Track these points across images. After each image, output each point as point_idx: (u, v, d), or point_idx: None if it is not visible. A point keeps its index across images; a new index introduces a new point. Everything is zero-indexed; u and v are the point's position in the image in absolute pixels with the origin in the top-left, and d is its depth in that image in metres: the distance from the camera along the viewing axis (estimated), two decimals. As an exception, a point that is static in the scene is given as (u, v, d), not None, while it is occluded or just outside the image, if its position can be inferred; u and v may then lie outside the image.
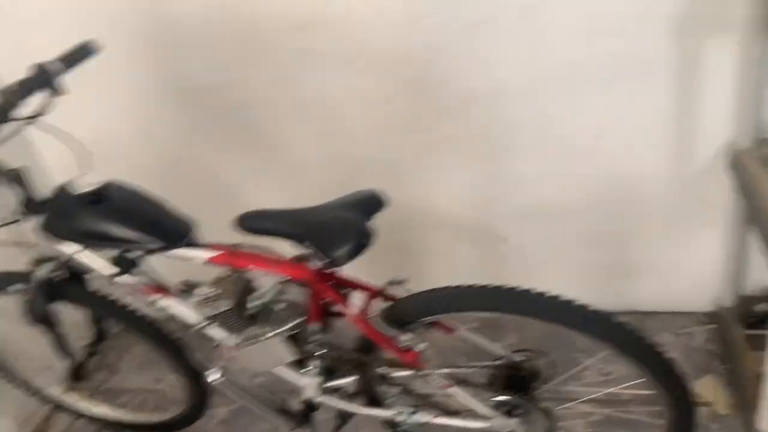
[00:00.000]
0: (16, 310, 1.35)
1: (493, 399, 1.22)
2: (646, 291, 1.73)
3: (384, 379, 1.31)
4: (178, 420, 1.63)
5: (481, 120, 1.58)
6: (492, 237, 1.76)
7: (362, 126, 1.66)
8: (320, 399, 1.33)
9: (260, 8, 1.52)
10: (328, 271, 1.17)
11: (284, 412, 1.39)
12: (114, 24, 1.58)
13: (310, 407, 1.35)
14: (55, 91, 1.13)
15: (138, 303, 1.42)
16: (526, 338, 1.47)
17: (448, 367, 1.25)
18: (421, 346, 1.19)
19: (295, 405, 1.38)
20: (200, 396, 1.55)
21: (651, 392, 1.17)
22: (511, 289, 1.11)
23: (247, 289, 1.25)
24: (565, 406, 1.35)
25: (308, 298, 1.23)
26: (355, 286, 1.24)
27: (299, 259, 1.19)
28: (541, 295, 1.10)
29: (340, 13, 1.49)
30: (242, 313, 1.24)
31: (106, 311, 1.43)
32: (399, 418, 1.30)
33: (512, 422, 1.22)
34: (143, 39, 1.61)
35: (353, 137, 1.68)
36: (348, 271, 1.18)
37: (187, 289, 1.30)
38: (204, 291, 1.26)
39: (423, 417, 1.29)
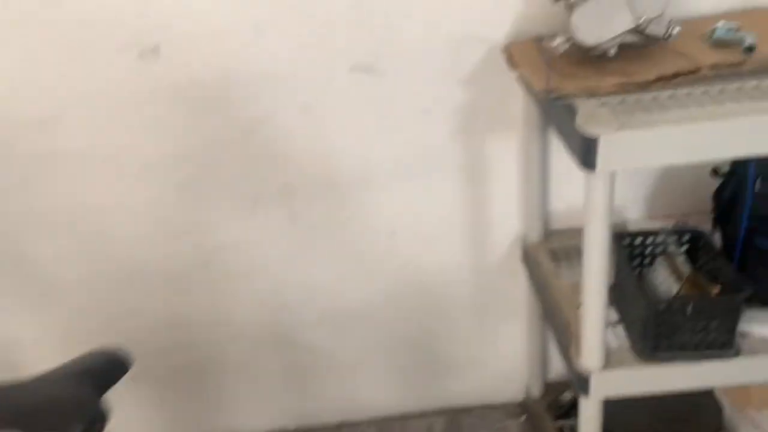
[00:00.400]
0: None
1: None
2: (459, 387, 1.66)
3: None
4: None
5: (270, 222, 1.43)
6: (296, 346, 1.58)
7: (132, 234, 1.42)
8: None
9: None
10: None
11: None
12: None
13: None
14: None
15: None
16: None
17: None
18: None
19: None
20: None
21: None
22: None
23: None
24: None
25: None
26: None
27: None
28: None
29: (88, 106, 1.27)
30: None
31: None
32: None
33: None
34: None
35: (122, 247, 1.43)
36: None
37: None
38: None
39: None
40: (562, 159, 1.38)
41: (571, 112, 0.95)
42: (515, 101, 1.31)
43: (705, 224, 1.31)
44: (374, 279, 1.51)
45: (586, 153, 0.88)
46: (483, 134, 1.36)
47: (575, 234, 1.42)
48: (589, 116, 0.89)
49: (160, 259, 1.45)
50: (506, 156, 1.38)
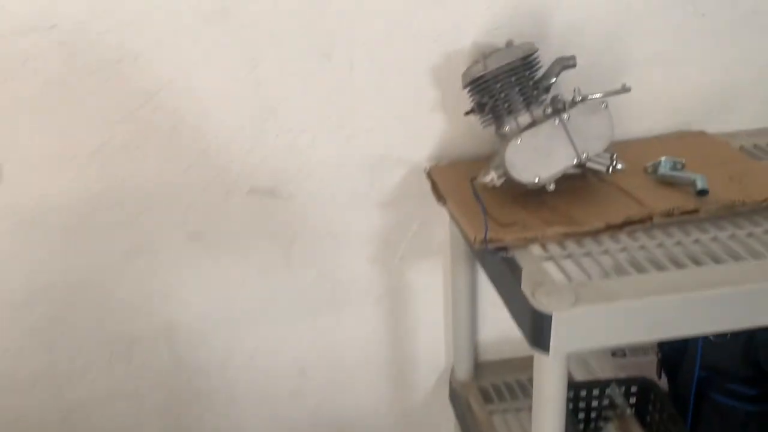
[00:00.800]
0: None
1: None
2: None
3: None
4: None
5: (147, 367, 1.18)
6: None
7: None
8: None
9: None
10: None
11: None
12: None
13: None
14: None
15: None
16: None
17: None
18: None
19: None
20: None
21: None
22: None
23: None
24: None
25: None
26: None
27: None
28: None
29: None
30: None
31: None
32: None
33: None
34: None
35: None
36: None
37: None
38: None
39: None
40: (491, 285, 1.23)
41: (513, 267, 0.80)
42: (439, 225, 1.16)
43: (644, 356, 1.20)
44: (280, 425, 1.28)
45: (536, 331, 0.72)
46: (404, 261, 1.19)
47: (507, 367, 1.28)
48: (538, 284, 0.74)
49: (32, 403, 1.16)
50: (430, 284, 1.22)
